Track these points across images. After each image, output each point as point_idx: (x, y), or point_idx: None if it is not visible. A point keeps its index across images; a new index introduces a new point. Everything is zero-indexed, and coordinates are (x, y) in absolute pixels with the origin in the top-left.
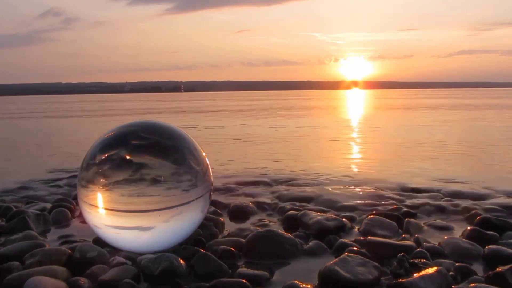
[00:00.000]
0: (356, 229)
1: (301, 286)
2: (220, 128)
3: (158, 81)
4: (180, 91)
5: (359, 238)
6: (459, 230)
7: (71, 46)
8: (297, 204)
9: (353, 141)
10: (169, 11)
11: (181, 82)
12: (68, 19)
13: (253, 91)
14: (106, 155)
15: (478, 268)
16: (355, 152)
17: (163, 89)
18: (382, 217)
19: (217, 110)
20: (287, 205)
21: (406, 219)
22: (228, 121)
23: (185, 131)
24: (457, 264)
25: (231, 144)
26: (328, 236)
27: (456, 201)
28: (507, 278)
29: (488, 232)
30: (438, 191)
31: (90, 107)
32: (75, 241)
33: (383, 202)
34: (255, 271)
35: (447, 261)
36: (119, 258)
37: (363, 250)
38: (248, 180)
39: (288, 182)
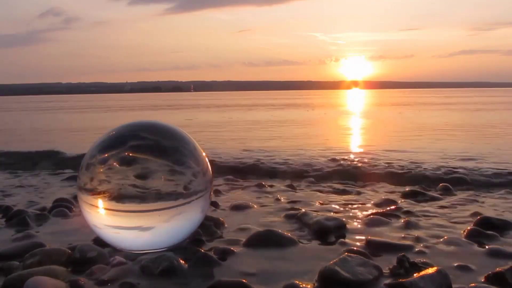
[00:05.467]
0: (356, 229)
1: (301, 286)
2: None
3: (158, 81)
4: (190, 91)
5: (359, 237)
6: (459, 229)
7: (71, 46)
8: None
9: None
10: (169, 11)
11: (181, 82)
12: (68, 19)
13: (254, 91)
14: (106, 155)
15: (478, 267)
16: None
17: (163, 89)
18: (382, 217)
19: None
20: (288, 204)
21: (406, 218)
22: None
23: (185, 131)
24: (457, 263)
25: None
26: (328, 236)
27: (456, 200)
28: (507, 278)
29: (488, 231)
30: (439, 189)
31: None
32: (75, 241)
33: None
34: (255, 271)
35: (447, 260)
36: (119, 258)
37: (363, 250)
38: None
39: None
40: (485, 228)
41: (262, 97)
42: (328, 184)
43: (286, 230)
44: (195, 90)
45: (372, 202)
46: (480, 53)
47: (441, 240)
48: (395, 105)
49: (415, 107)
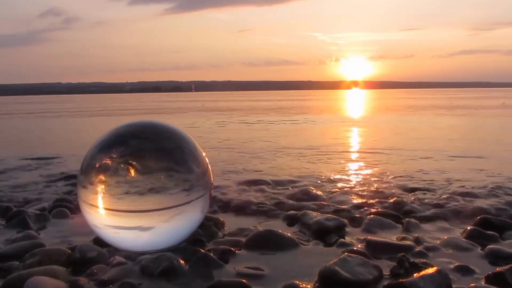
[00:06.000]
0: (356, 229)
1: (301, 286)
2: None
3: (158, 81)
4: (191, 91)
5: (359, 237)
6: (459, 229)
7: (71, 46)
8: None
9: None
10: (169, 11)
11: (181, 82)
12: (68, 19)
13: (254, 91)
14: (106, 155)
15: (478, 268)
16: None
17: (163, 89)
18: (382, 217)
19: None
20: (287, 204)
21: (406, 219)
22: None
23: (185, 131)
24: (457, 264)
25: None
26: (328, 236)
27: (457, 200)
28: (507, 278)
29: (488, 232)
30: (440, 189)
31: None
32: (75, 241)
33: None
34: (255, 271)
35: (447, 261)
36: (119, 258)
37: (363, 250)
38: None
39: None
40: (485, 228)
41: (278, 97)
42: (329, 188)
43: (286, 230)
44: (196, 90)
45: (372, 202)
46: (480, 53)
47: (441, 240)
48: (411, 108)
49: (429, 111)
